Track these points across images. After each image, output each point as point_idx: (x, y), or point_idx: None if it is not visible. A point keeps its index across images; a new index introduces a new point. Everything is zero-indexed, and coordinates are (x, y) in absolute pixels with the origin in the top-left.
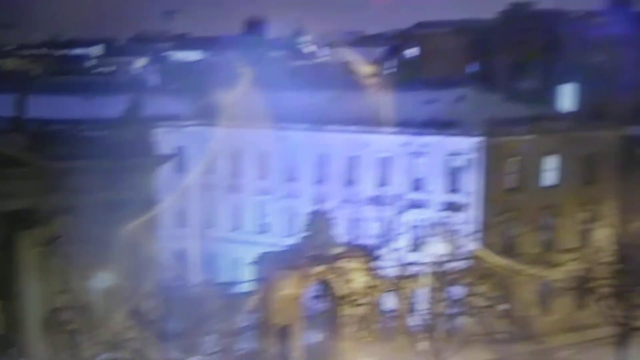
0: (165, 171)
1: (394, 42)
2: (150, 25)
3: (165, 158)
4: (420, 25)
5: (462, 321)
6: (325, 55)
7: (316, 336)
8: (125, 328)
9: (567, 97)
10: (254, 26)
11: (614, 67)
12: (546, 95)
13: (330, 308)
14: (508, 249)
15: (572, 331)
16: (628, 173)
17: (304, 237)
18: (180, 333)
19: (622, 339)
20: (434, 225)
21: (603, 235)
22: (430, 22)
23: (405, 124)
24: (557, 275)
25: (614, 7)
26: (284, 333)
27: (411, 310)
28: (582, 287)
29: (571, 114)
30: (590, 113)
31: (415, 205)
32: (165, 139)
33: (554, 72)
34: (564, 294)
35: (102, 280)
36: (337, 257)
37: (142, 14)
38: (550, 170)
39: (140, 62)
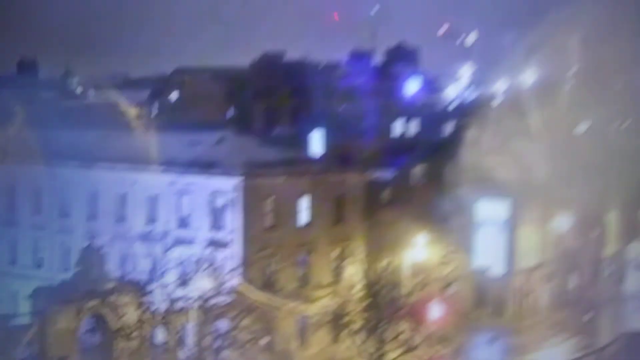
0: None
1: (157, 86)
2: None
3: None
4: (179, 71)
5: (228, 354)
6: (93, 96)
7: None
8: None
9: (316, 142)
10: (25, 67)
11: (357, 115)
12: (298, 140)
13: (105, 341)
14: (268, 284)
15: None
16: (374, 213)
17: (78, 272)
18: None
19: None
20: (199, 261)
21: (354, 272)
22: (190, 68)
23: (171, 164)
24: (313, 309)
25: (355, 59)
26: None
27: (180, 343)
28: (337, 322)
29: (321, 158)
30: (338, 157)
31: (182, 241)
32: None
33: (304, 118)
34: (320, 328)
35: None
36: (110, 291)
37: None
38: (303, 210)
39: None
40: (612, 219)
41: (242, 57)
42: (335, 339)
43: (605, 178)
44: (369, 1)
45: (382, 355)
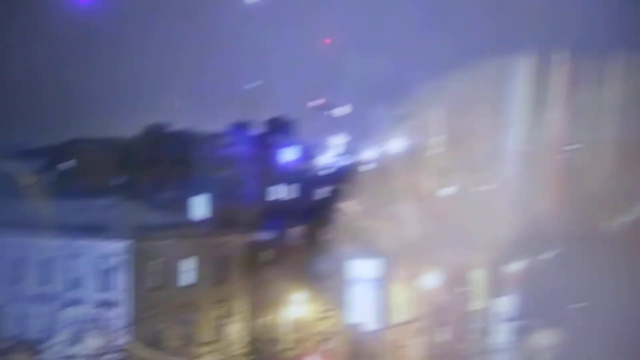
0: None
1: (52, 155)
2: None
3: None
4: (74, 141)
5: None
6: None
7: None
8: None
9: (200, 207)
10: None
11: (239, 181)
12: (184, 204)
13: None
14: (155, 342)
15: None
16: (255, 273)
17: None
18: None
19: None
20: (90, 320)
21: (236, 330)
22: (83, 139)
23: (64, 228)
24: None
25: (235, 129)
26: None
27: None
28: None
29: (205, 221)
30: (221, 220)
31: (74, 302)
32: None
33: (189, 184)
34: None
35: None
36: (5, 350)
37: None
38: (188, 271)
39: None
40: (478, 276)
41: (131, 128)
42: None
43: (470, 238)
44: (250, 76)
45: None
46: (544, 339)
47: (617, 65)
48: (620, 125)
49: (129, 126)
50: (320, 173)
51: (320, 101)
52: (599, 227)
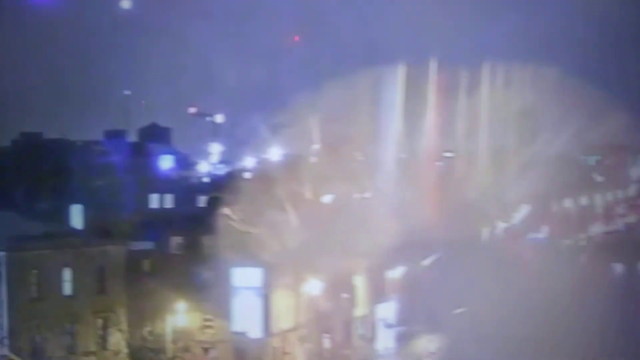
0: None
1: None
2: None
3: None
4: None
5: None
6: None
7: None
8: None
9: (77, 216)
10: None
11: (116, 190)
12: (59, 214)
13: None
14: (36, 354)
15: None
16: (135, 283)
17: None
18: None
19: None
20: None
21: (117, 339)
22: None
23: None
24: None
25: (111, 138)
26: None
27: None
28: None
29: (82, 231)
30: (98, 230)
31: None
32: None
33: (65, 194)
34: None
35: None
36: None
37: None
38: (68, 282)
39: None
40: (360, 283)
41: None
42: None
43: (351, 245)
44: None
45: None
46: (426, 344)
47: (491, 74)
48: (494, 134)
49: (0, 134)
50: (199, 181)
51: (194, 109)
52: (475, 234)
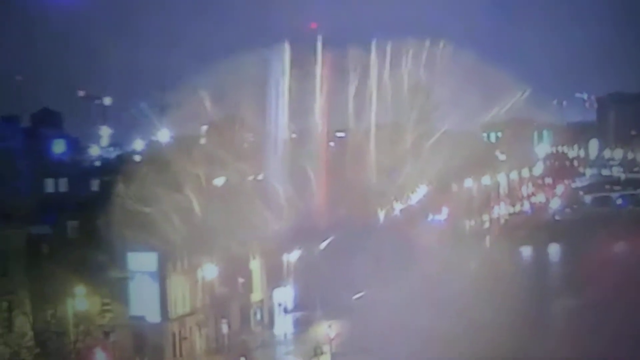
0: None
1: None
2: None
3: None
4: None
5: None
6: None
7: None
8: None
9: None
10: None
11: (11, 175)
12: None
13: None
14: None
15: None
16: (35, 266)
17: None
18: None
19: None
20: None
21: (22, 322)
22: None
23: None
24: None
25: (5, 122)
26: None
27: None
28: None
29: None
30: None
31: None
32: None
33: None
34: None
35: None
36: None
37: None
38: None
39: None
40: (257, 267)
41: None
42: None
43: (245, 227)
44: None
45: None
46: (326, 329)
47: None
48: (388, 112)
49: None
50: (91, 165)
51: (83, 92)
52: (372, 216)
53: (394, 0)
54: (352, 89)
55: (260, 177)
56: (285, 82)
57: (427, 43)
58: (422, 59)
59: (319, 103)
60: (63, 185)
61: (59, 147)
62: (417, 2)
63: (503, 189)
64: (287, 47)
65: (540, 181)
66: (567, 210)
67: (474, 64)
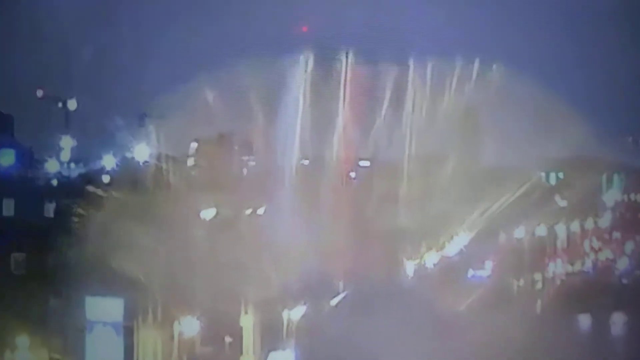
0: None
1: None
2: None
3: None
4: None
5: None
6: None
7: None
8: None
9: None
10: None
11: None
12: None
13: None
14: None
15: None
16: None
17: None
18: None
19: None
20: None
21: None
22: None
23: None
24: None
25: None
26: None
27: None
28: None
29: None
30: None
31: None
32: None
33: None
34: None
35: None
36: None
37: None
38: None
39: None
40: (249, 324)
41: None
42: None
43: (238, 274)
44: None
45: None
46: None
47: (420, 69)
48: (423, 141)
49: None
50: (47, 184)
51: (42, 91)
52: (397, 268)
53: (436, 13)
54: (383, 111)
55: (260, 211)
56: (299, 96)
57: (476, 63)
58: (470, 81)
59: (340, 123)
60: (8, 207)
61: (6, 158)
62: (465, 17)
63: (561, 242)
64: (306, 56)
65: (606, 235)
66: (638, 272)
67: (532, 90)
